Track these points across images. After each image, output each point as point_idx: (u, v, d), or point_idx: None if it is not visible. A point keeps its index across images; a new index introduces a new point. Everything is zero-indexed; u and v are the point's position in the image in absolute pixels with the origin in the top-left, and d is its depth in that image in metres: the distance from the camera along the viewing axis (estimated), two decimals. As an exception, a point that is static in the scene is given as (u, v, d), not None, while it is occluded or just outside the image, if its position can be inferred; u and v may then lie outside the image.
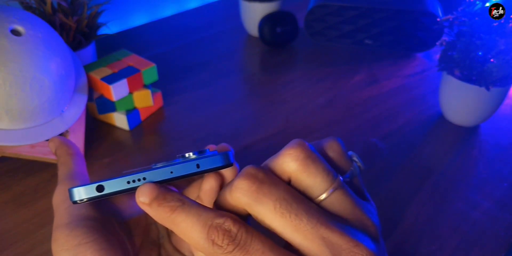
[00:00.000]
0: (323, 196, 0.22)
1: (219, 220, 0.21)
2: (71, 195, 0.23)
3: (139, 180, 0.23)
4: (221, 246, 0.20)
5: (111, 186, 0.23)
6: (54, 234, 0.27)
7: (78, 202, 0.23)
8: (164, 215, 0.21)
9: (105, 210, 0.30)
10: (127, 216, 0.34)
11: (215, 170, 0.24)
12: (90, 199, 0.23)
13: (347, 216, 0.22)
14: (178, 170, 0.24)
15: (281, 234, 0.21)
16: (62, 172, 0.31)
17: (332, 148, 0.25)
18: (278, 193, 0.21)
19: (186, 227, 0.21)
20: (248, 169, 0.22)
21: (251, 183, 0.21)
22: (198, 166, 0.24)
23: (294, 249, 0.21)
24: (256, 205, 0.21)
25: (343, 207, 0.22)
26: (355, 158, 0.25)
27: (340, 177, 0.23)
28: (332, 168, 0.23)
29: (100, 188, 0.23)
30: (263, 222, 0.21)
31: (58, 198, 0.29)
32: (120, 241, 0.30)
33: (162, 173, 0.24)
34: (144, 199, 0.22)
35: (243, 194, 0.21)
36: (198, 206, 0.22)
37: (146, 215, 0.35)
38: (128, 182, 0.23)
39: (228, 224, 0.20)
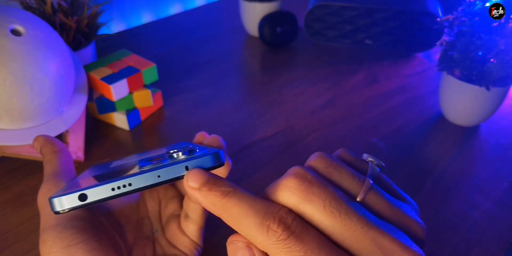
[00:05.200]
0: (358, 200, 0.21)
1: (275, 208, 0.20)
2: (52, 205, 0.22)
3: (124, 186, 0.22)
4: (276, 232, 0.19)
5: (95, 194, 0.22)
6: (42, 236, 0.27)
7: (61, 212, 0.22)
8: (215, 199, 0.21)
9: (92, 207, 0.30)
10: (116, 206, 0.33)
11: (207, 171, 0.23)
12: (73, 209, 0.22)
13: (389, 218, 0.21)
14: (165, 173, 0.22)
15: (330, 235, 0.20)
16: (47, 170, 0.31)
17: (343, 156, 0.24)
18: (327, 192, 0.20)
19: (239, 213, 0.20)
20: (296, 169, 0.21)
21: (300, 182, 0.20)
22: (187, 168, 0.22)
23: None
24: (305, 203, 0.20)
25: (381, 209, 0.21)
26: (370, 158, 0.25)
27: (369, 179, 0.22)
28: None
29: (83, 197, 0.22)
30: (311, 222, 0.20)
31: (43, 198, 0.29)
32: (112, 240, 0.29)
33: (149, 177, 0.22)
34: (193, 184, 0.21)
35: (292, 193, 0.20)
36: (250, 193, 0.21)
37: (137, 210, 0.35)
38: (113, 189, 0.22)
39: (284, 212, 0.20)
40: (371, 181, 0.22)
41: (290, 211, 0.20)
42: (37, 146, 0.33)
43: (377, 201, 0.21)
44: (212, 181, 0.21)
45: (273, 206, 0.20)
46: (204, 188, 0.21)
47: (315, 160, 0.22)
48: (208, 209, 0.21)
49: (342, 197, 0.20)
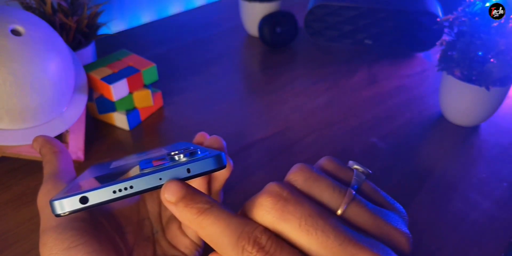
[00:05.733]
0: (338, 213, 0.21)
1: (250, 228, 0.20)
2: (52, 208, 0.22)
3: (125, 188, 0.22)
4: (251, 253, 0.19)
5: (96, 197, 0.22)
6: (42, 238, 0.27)
7: (62, 215, 0.22)
8: (191, 216, 0.20)
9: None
10: (116, 207, 0.33)
11: (208, 173, 0.23)
12: (74, 212, 0.22)
13: (371, 230, 0.21)
14: (167, 176, 0.22)
15: (308, 253, 0.19)
16: (47, 170, 0.30)
17: (326, 166, 0.24)
18: (303, 210, 0.20)
19: (215, 232, 0.20)
20: (272, 186, 0.21)
21: (275, 201, 0.20)
22: (189, 170, 0.22)
23: None
24: (281, 222, 0.20)
25: (363, 221, 0.21)
26: (355, 166, 0.24)
27: (351, 189, 0.22)
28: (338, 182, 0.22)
29: (84, 200, 0.21)
30: (288, 240, 0.20)
31: (43, 199, 0.29)
32: (112, 241, 0.29)
33: (151, 180, 0.22)
34: (170, 197, 0.21)
35: (267, 212, 0.20)
36: (227, 210, 0.21)
37: (138, 211, 0.35)
38: (114, 192, 0.22)
39: (259, 232, 0.20)
40: (354, 192, 0.22)
41: (265, 230, 0.20)
42: (36, 147, 0.33)
43: (359, 213, 0.21)
44: (190, 197, 0.21)
45: (249, 226, 0.20)
46: (181, 203, 0.20)
47: (294, 173, 0.22)
48: (184, 224, 0.21)
49: (320, 213, 0.20)
